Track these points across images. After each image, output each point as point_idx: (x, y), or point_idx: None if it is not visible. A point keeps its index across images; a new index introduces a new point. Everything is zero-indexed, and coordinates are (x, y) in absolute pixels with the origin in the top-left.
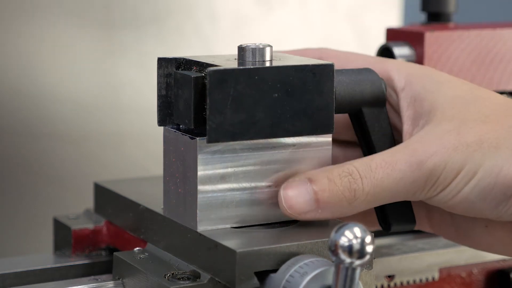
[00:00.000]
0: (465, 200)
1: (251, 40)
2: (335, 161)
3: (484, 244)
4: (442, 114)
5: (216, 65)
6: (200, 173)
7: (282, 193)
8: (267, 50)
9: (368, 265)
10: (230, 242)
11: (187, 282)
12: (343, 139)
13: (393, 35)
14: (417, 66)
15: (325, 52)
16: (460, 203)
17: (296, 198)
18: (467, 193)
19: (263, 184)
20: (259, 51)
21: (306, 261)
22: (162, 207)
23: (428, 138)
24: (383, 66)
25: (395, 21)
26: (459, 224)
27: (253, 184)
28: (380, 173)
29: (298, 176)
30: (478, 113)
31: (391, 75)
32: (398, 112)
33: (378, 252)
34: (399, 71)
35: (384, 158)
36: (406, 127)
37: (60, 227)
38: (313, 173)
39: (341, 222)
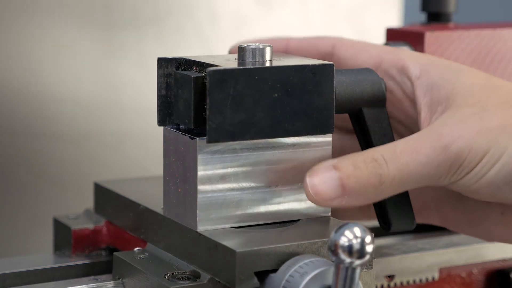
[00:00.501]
0: (490, 184)
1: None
2: (343, 148)
3: (497, 233)
4: (462, 101)
5: (216, 65)
6: (200, 173)
7: (307, 180)
8: (267, 50)
9: (368, 265)
10: (230, 242)
11: (187, 282)
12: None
13: (393, 35)
14: (432, 56)
15: (339, 41)
16: (485, 187)
17: (322, 184)
18: (491, 177)
19: (263, 184)
20: (259, 51)
21: (306, 261)
22: (162, 207)
23: (451, 122)
24: (398, 55)
25: (395, 21)
26: (472, 213)
27: (253, 184)
28: (405, 157)
29: (323, 163)
30: (498, 99)
31: (406, 63)
32: (412, 100)
33: (378, 252)
34: (414, 59)
35: (409, 143)
36: (423, 115)
37: (60, 227)
38: (338, 160)
39: (341, 222)
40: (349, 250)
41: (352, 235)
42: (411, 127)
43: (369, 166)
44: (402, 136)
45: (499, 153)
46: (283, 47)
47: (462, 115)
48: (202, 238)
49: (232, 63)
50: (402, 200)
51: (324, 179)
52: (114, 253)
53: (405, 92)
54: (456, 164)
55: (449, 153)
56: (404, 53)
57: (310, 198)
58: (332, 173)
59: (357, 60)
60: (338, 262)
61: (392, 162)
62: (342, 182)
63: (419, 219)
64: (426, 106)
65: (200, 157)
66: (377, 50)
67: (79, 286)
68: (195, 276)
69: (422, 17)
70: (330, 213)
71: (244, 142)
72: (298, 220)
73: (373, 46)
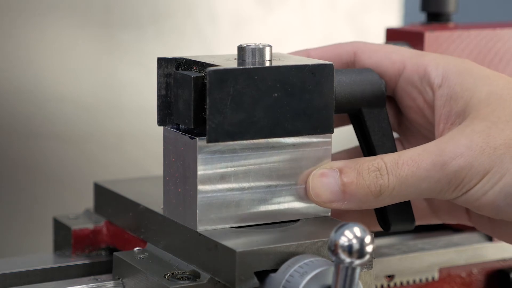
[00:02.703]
0: (491, 203)
1: (251, 40)
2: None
3: None
4: (476, 113)
5: (216, 65)
6: (200, 173)
7: (310, 181)
8: (267, 50)
9: (368, 265)
10: (230, 242)
11: (187, 282)
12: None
13: (393, 35)
14: (455, 60)
15: (360, 48)
16: (486, 206)
17: (323, 187)
18: (493, 197)
19: (263, 184)
20: (259, 51)
21: (306, 261)
22: (162, 207)
23: (457, 138)
24: (420, 61)
25: (395, 21)
26: (495, 220)
27: (253, 184)
28: (405, 170)
29: (330, 165)
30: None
31: (428, 70)
32: (432, 108)
33: (378, 252)
34: (437, 66)
35: (412, 155)
36: (441, 126)
37: (60, 227)
38: (344, 164)
39: (341, 222)
40: (349, 250)
41: (352, 235)
42: (434, 132)
43: (371, 175)
44: (426, 137)
45: (500, 173)
46: None
47: (470, 131)
48: (202, 238)
49: (232, 63)
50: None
51: (326, 182)
52: (114, 253)
53: (426, 101)
54: (456, 181)
55: (448, 170)
56: (426, 58)
57: (310, 198)
58: (336, 177)
59: (380, 67)
60: (338, 262)
61: (393, 174)
62: (343, 187)
63: (450, 220)
64: (445, 117)
65: (200, 157)
66: (400, 56)
67: (79, 286)
68: (195, 276)
69: (422, 17)
70: (330, 213)
71: (244, 142)
72: (298, 220)
73: (395, 51)
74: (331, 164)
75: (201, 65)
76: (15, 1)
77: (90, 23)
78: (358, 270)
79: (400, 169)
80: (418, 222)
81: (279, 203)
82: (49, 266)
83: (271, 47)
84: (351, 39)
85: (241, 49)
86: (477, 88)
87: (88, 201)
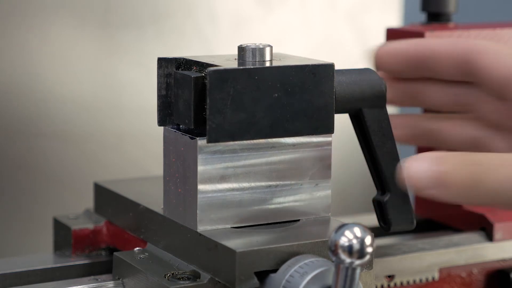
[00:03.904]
0: None
1: (251, 40)
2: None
3: None
4: None
5: (216, 65)
6: (200, 173)
7: (407, 164)
8: (267, 50)
9: (368, 265)
10: (230, 242)
11: (187, 282)
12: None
13: (393, 35)
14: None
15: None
16: None
17: (419, 173)
18: None
19: (263, 184)
20: (259, 51)
21: (306, 261)
22: (162, 207)
23: None
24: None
25: (395, 21)
26: None
27: (253, 184)
28: (504, 172)
29: (430, 153)
30: None
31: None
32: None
33: (378, 252)
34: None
35: None
36: None
37: (60, 227)
38: (444, 154)
39: (341, 222)
40: (349, 250)
41: (352, 235)
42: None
43: (470, 168)
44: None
45: None
46: None
47: None
48: (202, 238)
49: (232, 63)
50: (402, 200)
51: (425, 168)
52: (114, 253)
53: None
54: None
55: None
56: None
57: (405, 181)
58: (433, 164)
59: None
60: (338, 262)
61: (492, 173)
62: (439, 175)
63: None
64: None
65: (200, 157)
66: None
67: (79, 286)
68: (195, 276)
69: (422, 17)
70: (330, 213)
71: (244, 142)
72: (298, 220)
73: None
74: (430, 153)
75: (201, 65)
76: (15, 2)
77: (90, 24)
78: (358, 271)
79: (499, 170)
80: None
81: (279, 203)
82: (49, 266)
83: (271, 47)
84: (351, 39)
85: (241, 49)
86: None
87: (88, 201)
